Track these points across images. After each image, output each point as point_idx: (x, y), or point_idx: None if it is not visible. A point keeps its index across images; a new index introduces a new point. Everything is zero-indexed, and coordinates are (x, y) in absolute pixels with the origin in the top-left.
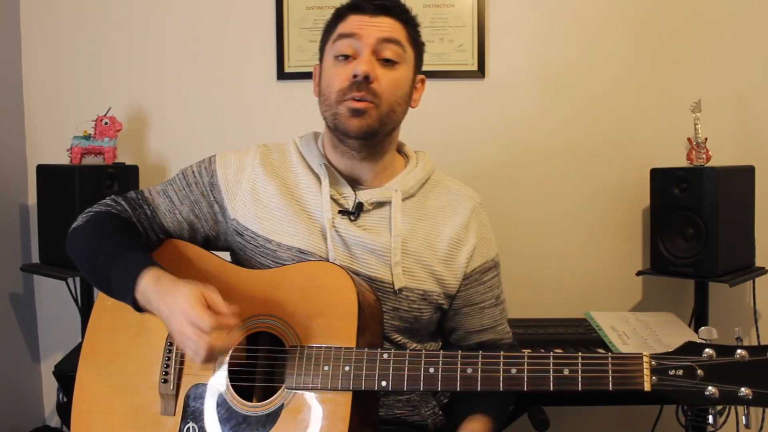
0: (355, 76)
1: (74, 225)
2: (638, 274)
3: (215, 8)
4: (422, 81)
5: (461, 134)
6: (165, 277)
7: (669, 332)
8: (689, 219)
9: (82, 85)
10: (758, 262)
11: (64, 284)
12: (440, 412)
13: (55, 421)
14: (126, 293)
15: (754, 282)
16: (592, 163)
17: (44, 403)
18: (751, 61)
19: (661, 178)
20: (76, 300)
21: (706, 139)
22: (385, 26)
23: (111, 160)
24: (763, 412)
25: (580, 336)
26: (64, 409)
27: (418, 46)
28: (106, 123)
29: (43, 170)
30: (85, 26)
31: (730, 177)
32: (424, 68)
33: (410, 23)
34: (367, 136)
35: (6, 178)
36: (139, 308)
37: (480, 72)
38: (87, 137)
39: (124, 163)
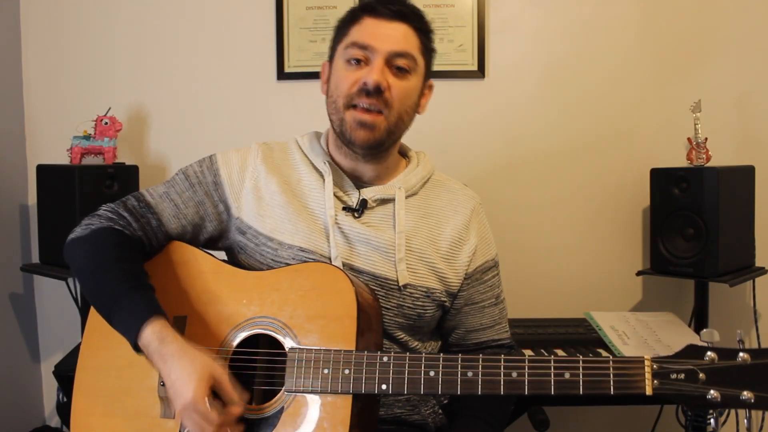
0: (365, 84)
1: (74, 235)
2: (638, 274)
3: (215, 8)
4: (430, 87)
5: (461, 134)
6: (169, 337)
7: (669, 332)
8: (689, 219)
9: (82, 85)
10: (758, 262)
11: (64, 284)
12: (440, 412)
13: (55, 421)
14: (128, 335)
15: (754, 282)
16: (591, 163)
17: (44, 403)
18: (751, 61)
19: (661, 178)
20: (76, 300)
21: (706, 139)
22: (399, 37)
23: (111, 160)
24: (763, 414)
25: (580, 336)
26: (64, 409)
27: (429, 54)
28: (106, 123)
29: (43, 170)
30: (85, 26)
31: (730, 177)
32: None
33: (425, 32)
34: (372, 147)
35: (6, 178)
36: (135, 348)
37: (480, 72)
38: (87, 137)
39: (124, 163)
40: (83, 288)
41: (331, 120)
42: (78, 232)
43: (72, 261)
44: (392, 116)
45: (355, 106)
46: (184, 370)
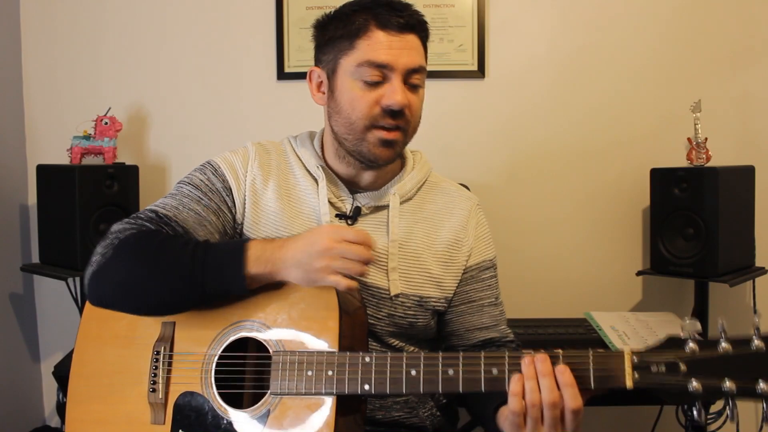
0: (390, 107)
1: (99, 262)
2: (638, 274)
3: (215, 8)
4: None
5: (461, 134)
6: (277, 240)
7: (669, 332)
8: (689, 219)
9: (82, 85)
10: (758, 262)
11: (64, 284)
12: (438, 413)
13: (55, 421)
14: (232, 273)
15: (754, 282)
16: (592, 163)
17: (44, 403)
18: (751, 61)
19: (661, 178)
20: (76, 300)
21: (706, 139)
22: (414, 51)
23: (111, 160)
24: (764, 407)
25: (581, 336)
26: (64, 409)
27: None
28: (106, 123)
29: (43, 170)
30: (85, 26)
31: (730, 177)
32: None
33: (428, 38)
34: (391, 162)
35: (6, 178)
36: (244, 286)
37: (480, 72)
38: (87, 137)
39: (124, 163)
40: (144, 292)
41: (344, 139)
42: (101, 258)
43: (115, 281)
44: (410, 131)
45: (378, 127)
46: (308, 232)
